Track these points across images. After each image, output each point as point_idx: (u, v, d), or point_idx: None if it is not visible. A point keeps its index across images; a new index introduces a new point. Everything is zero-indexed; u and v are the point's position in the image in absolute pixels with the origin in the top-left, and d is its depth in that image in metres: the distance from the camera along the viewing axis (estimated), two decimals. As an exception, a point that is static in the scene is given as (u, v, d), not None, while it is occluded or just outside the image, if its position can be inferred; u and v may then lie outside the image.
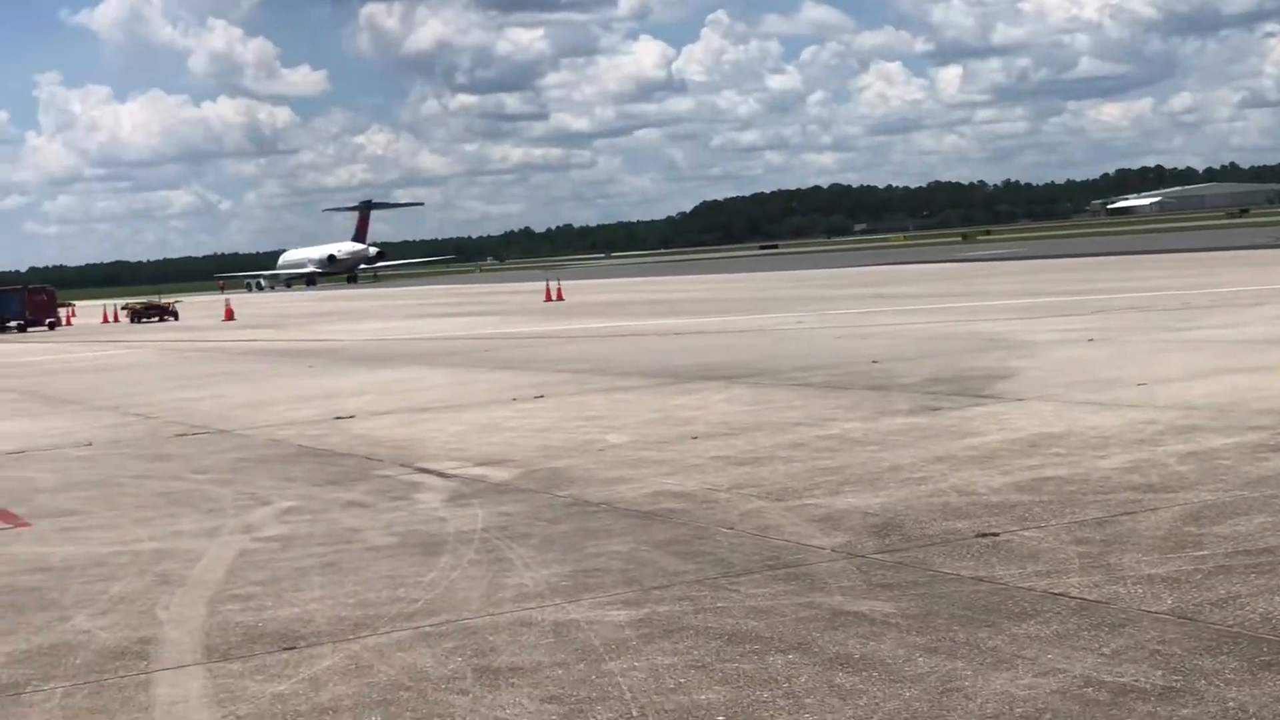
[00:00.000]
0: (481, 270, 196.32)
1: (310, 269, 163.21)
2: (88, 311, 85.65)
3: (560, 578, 7.91)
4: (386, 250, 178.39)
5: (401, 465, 12.67)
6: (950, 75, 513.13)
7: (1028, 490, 9.55)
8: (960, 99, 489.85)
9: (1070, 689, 5.54)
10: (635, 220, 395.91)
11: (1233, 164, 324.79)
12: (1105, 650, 5.99)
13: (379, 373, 23.71)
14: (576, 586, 7.69)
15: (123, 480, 12.97)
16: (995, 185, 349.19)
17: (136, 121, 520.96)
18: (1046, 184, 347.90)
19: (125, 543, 9.82)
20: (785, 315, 33.16)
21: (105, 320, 68.44)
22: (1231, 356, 17.01)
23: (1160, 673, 5.67)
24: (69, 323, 67.98)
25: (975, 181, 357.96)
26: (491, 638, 6.79)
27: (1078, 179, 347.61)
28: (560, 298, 55.35)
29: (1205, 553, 7.56)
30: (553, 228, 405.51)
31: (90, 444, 16.06)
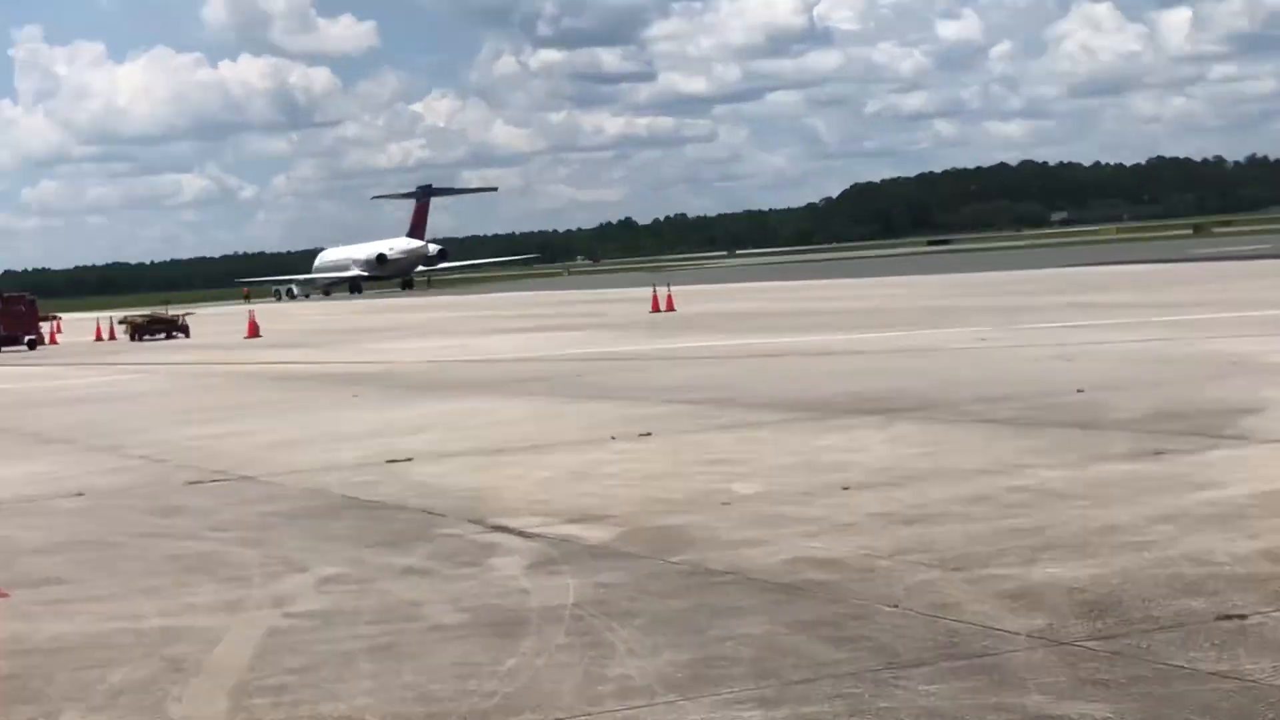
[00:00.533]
0: (570, 273, 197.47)
1: (354, 272, 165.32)
2: (77, 326, 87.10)
3: (675, 668, 7.92)
4: (450, 248, 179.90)
5: (472, 521, 12.74)
6: (1177, 20, 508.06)
7: (1284, 559, 9.41)
8: (1190, 51, 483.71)
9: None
10: (767, 209, 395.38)
11: None
12: (1390, 770, 5.87)
13: (443, 403, 23.90)
14: (696, 679, 7.69)
15: (123, 540, 13.17)
16: (1236, 162, 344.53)
17: (137, 87, 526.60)
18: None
19: (127, 618, 9.98)
20: (963, 330, 32.91)
21: (99, 337, 69.67)
22: None
23: None
24: (53, 340, 69.27)
25: (1210, 158, 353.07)
26: (588, 744, 6.81)
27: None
28: (671, 307, 55.40)
29: None
30: (661, 219, 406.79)
31: (82, 494, 16.34)
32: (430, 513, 13.38)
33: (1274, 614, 8.18)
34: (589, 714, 7.26)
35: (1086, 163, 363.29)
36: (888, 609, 8.85)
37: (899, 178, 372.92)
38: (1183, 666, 7.37)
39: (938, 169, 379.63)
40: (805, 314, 46.76)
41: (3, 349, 62.67)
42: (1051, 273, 68.97)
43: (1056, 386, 19.86)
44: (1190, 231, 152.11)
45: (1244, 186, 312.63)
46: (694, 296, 67.48)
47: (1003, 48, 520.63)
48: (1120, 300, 41.38)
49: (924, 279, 73.24)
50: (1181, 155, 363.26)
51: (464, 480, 15.25)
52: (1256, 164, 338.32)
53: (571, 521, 12.41)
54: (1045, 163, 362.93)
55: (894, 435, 16.40)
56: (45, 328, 70.08)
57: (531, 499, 13.73)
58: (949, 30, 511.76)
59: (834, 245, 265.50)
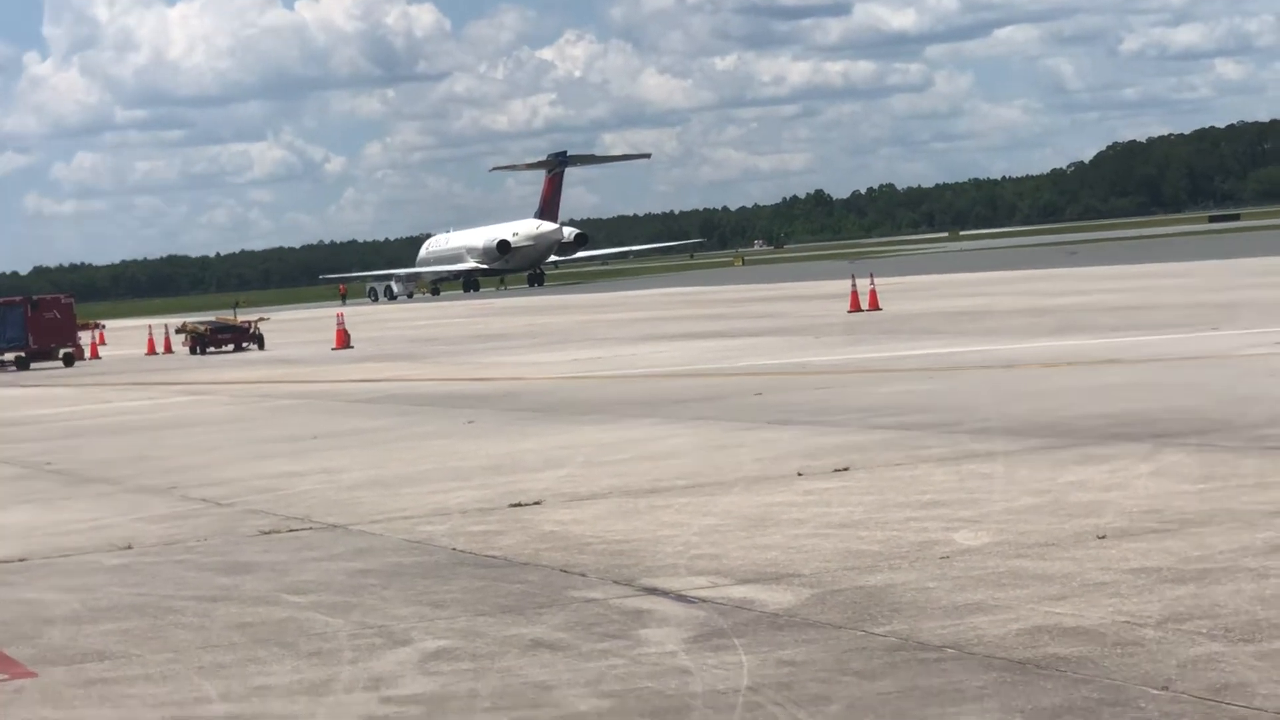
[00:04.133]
0: (745, 262, 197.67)
1: (470, 264, 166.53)
2: (125, 335, 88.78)
3: (879, 769, 7.91)
4: (591, 232, 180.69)
5: (617, 582, 12.80)
6: None
7: None
8: None
9: None
10: (999, 177, 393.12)
11: None
12: None
13: (582, 431, 24.04)
14: (906, 784, 7.67)
15: (179, 604, 13.37)
16: None
17: (194, 33, 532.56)
18: None
19: (184, 705, 10.13)
20: (1254, 332, 32.51)
21: (152, 350, 70.89)
22: None
23: None
24: (95, 353, 70.61)
25: None
26: None
27: None
28: (875, 305, 55.29)
29: None
30: (861, 191, 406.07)
31: (129, 546, 16.61)
32: (565, 571, 13.45)
33: None
34: (767, 827, 7.26)
35: None
36: (1155, 692, 8.78)
37: (1170, 135, 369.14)
38: None
39: (1220, 124, 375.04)
40: (1048, 312, 46.41)
41: (34, 364, 63.94)
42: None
43: (1378, 403, 19.59)
44: None
45: None
46: (904, 291, 67.23)
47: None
48: None
49: (1204, 265, 72.38)
50: None
51: (608, 529, 15.31)
52: None
53: (746, 582, 12.43)
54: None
55: (1163, 467, 16.24)
56: (85, 338, 71.56)
57: (695, 553, 13.75)
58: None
59: (1086, 223, 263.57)
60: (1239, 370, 25.50)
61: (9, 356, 64.62)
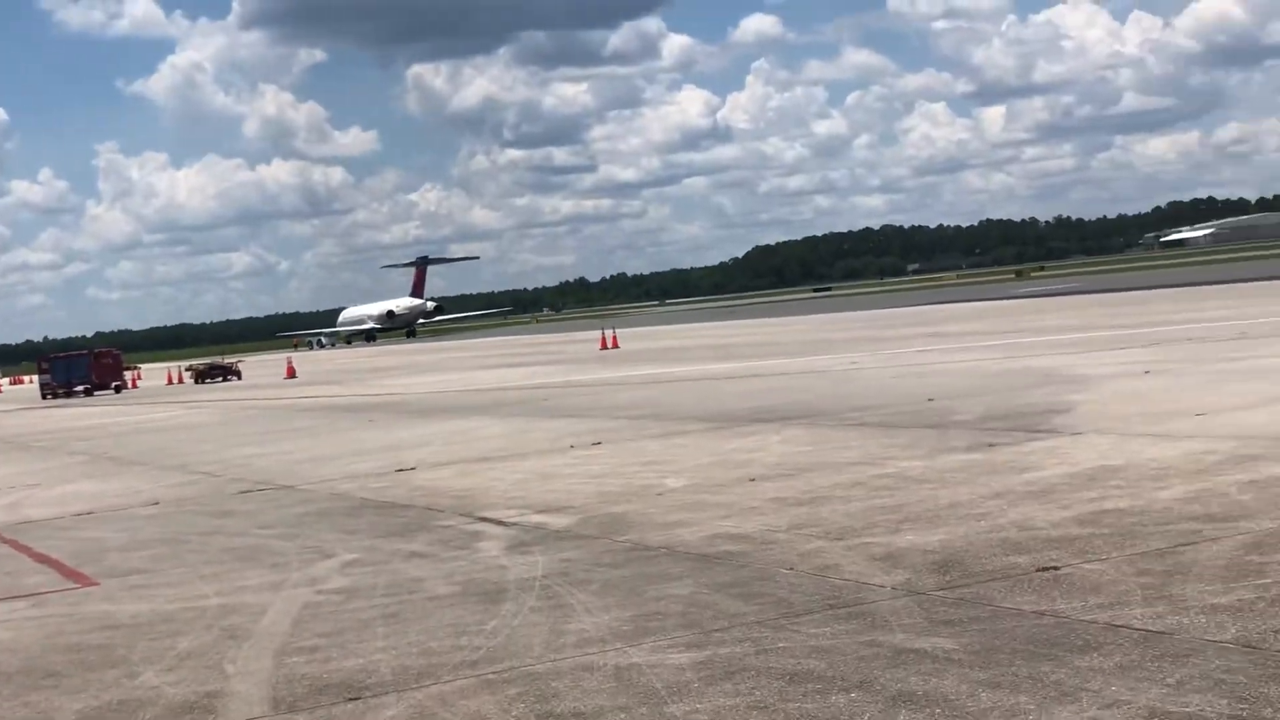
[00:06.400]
0: (537, 321, 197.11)
1: (370, 325, 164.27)
2: (153, 374, 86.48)
3: (621, 622, 7.90)
4: (444, 304, 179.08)
5: (462, 515, 12.70)
6: (994, 114, 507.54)
7: (1088, 523, 9.46)
8: (1006, 138, 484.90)
9: (1136, 721, 5.47)
10: (688, 267, 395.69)
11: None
12: (1170, 680, 5.92)
13: (439, 424, 23.81)
14: (637, 630, 7.67)
15: (189, 537, 13.08)
16: (1047, 221, 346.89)
17: (193, 186, 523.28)
18: (1098, 219, 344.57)
19: (192, 599, 9.90)
20: (840, 356, 33.02)
21: (170, 382, 69.11)
22: (1291, 384, 16.77)
23: (1226, 702, 5.60)
24: (135, 385, 68.68)
25: (1026, 218, 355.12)
26: (554, 683, 6.79)
27: (1129, 213, 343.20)
28: (616, 345, 55.43)
29: (1268, 581, 7.47)
30: (606, 277, 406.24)
31: (157, 503, 16.21)
32: (430, 509, 13.33)
33: (1081, 565, 8.23)
34: (554, 660, 7.23)
35: (932, 225, 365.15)
36: (785, 571, 8.86)
37: (789, 240, 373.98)
38: (1011, 608, 7.41)
39: (819, 233, 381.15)
40: (718, 347, 46.80)
41: (96, 393, 62.24)
42: (907, 310, 69.26)
43: (912, 397, 19.95)
44: (1013, 276, 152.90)
45: (1052, 240, 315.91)
46: (633, 336, 67.48)
47: (863, 139, 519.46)
48: (961, 330, 41.60)
49: (809, 318, 73.48)
50: (1004, 217, 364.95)
51: (456, 483, 15.19)
52: (1062, 223, 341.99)
53: (540, 512, 12.38)
54: (900, 226, 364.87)
55: (787, 438, 16.42)
56: (129, 375, 69.64)
57: (508, 496, 13.68)
58: (821, 127, 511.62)
59: (740, 294, 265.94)
60: (830, 380, 25.87)
61: (80, 388, 62.88)
